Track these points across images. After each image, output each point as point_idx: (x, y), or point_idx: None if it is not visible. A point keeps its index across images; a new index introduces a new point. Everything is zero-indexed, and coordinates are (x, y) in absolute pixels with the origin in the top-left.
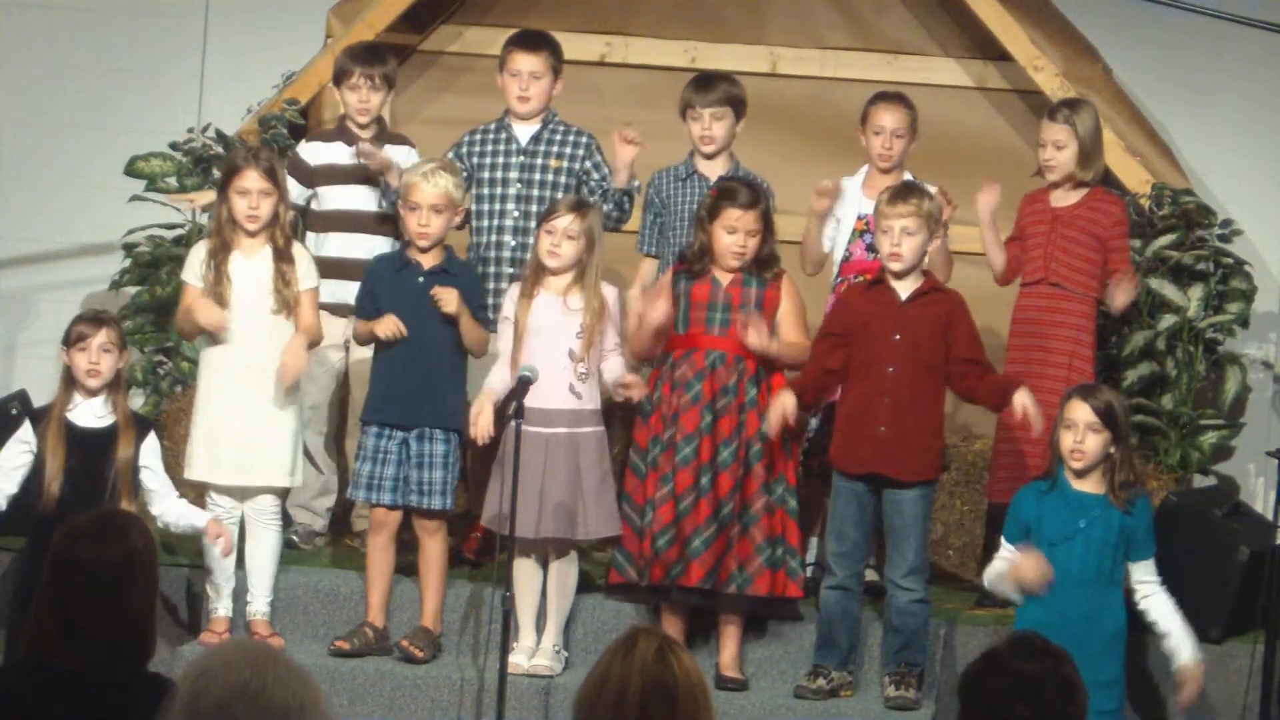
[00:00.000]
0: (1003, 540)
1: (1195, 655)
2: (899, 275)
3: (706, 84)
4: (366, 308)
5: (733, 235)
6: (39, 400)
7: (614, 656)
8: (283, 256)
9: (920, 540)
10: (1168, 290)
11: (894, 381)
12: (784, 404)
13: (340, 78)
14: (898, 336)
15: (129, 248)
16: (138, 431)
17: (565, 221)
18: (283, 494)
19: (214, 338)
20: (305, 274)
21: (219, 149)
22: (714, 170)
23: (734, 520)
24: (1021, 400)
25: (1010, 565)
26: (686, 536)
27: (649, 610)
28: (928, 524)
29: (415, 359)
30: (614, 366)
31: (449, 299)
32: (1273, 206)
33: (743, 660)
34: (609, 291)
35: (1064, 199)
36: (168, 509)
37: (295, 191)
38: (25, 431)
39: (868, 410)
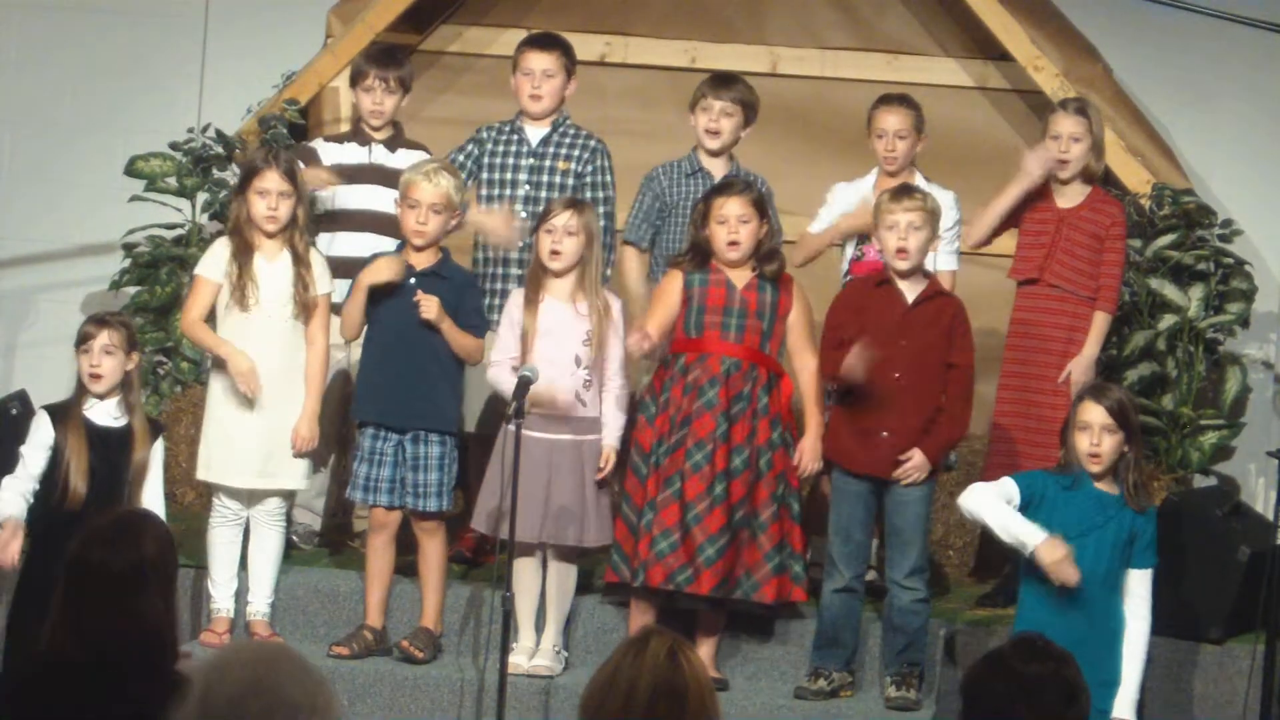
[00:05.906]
0: (1011, 482)
1: (1125, 714)
2: (904, 274)
3: (724, 81)
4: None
5: (723, 225)
6: (39, 401)
7: (624, 656)
8: (301, 261)
9: (923, 540)
10: (1168, 290)
11: (899, 387)
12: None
13: (355, 79)
14: (904, 342)
15: (129, 248)
16: (153, 435)
17: (563, 219)
18: (291, 496)
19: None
20: (319, 278)
21: (219, 149)
22: (716, 170)
23: (744, 527)
24: (918, 461)
25: (1040, 546)
26: (699, 544)
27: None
28: (929, 523)
29: (407, 360)
30: (610, 409)
31: (429, 305)
32: (1273, 206)
33: (742, 660)
34: (613, 301)
35: (1069, 199)
36: None
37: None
38: (45, 433)
39: (870, 415)
